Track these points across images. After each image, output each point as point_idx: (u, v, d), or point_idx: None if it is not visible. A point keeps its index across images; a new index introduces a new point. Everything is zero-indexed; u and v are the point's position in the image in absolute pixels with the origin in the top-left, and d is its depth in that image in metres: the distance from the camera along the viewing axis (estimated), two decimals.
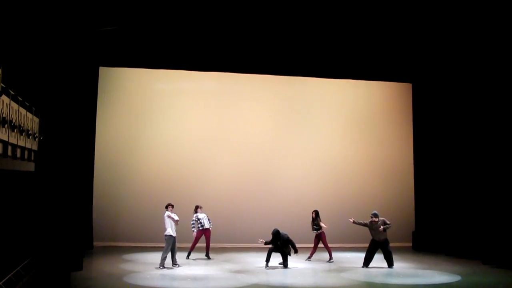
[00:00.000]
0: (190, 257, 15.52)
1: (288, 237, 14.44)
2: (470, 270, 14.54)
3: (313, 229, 15.75)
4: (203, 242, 15.71)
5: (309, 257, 15.78)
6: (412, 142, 20.29)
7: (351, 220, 15.14)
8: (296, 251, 14.49)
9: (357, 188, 19.64)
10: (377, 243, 14.62)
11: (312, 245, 15.90)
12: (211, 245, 15.90)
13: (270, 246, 14.43)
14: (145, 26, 16.46)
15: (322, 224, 15.66)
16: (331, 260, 15.56)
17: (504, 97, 16.15)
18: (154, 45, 17.61)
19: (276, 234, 14.35)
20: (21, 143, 9.49)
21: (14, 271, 9.85)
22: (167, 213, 13.99)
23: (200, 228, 15.54)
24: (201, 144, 18.91)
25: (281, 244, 14.34)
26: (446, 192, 18.54)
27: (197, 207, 15.74)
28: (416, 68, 19.61)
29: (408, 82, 20.43)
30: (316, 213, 15.79)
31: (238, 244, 18.22)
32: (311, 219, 15.86)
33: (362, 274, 13.81)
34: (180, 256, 14.73)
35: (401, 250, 17.68)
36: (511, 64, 15.85)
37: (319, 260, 15.68)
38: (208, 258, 15.66)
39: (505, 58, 15.98)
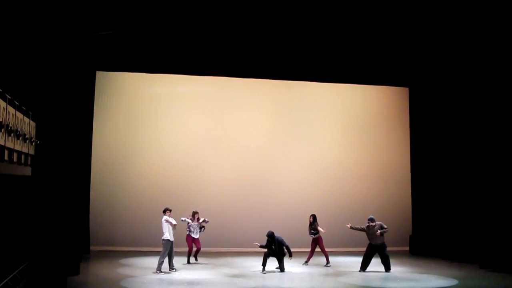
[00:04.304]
0: (184, 261, 15.53)
1: (282, 240, 14.41)
2: (467, 274, 14.55)
3: (311, 233, 15.74)
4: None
5: (306, 262, 15.76)
6: (409, 146, 20.33)
7: (348, 225, 15.16)
8: (290, 255, 14.34)
9: (354, 192, 19.64)
10: (374, 247, 14.62)
11: (309, 249, 15.90)
12: (207, 249, 15.87)
13: (265, 250, 14.40)
14: (142, 31, 16.47)
15: (319, 229, 15.65)
16: (328, 265, 15.55)
17: (501, 101, 16.21)
18: (151, 49, 17.63)
19: (271, 236, 14.32)
20: (17, 147, 9.46)
21: (11, 275, 9.82)
22: (165, 217, 13.97)
23: (187, 233, 15.59)
24: (199, 148, 18.90)
25: (276, 247, 14.32)
26: (443, 196, 18.56)
27: (194, 214, 15.77)
28: (413, 72, 19.67)
29: (405, 86, 20.48)
30: (314, 217, 15.78)
31: (235, 249, 18.20)
32: (308, 223, 15.86)
33: (359, 278, 13.80)
34: (177, 261, 14.71)
35: (398, 254, 17.70)
36: (508, 67, 15.91)
37: (316, 264, 15.66)
38: (196, 260, 15.67)
39: (502, 62, 16.04)
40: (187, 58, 18.12)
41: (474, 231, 16.74)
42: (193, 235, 15.64)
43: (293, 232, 16.76)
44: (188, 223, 15.62)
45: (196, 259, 15.78)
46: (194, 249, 15.76)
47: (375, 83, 20.13)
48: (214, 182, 18.83)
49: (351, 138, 20.07)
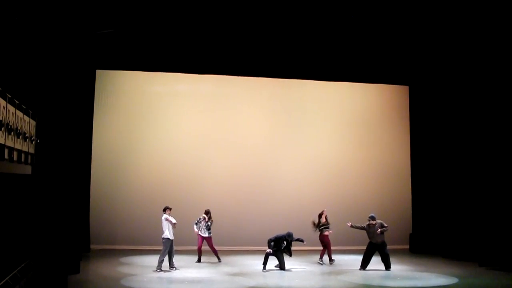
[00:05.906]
0: (186, 260, 15.53)
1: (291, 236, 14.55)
2: (467, 272, 14.56)
3: (326, 229, 15.75)
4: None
5: (330, 259, 15.72)
6: (409, 144, 20.31)
7: (348, 224, 15.16)
8: (290, 255, 14.58)
9: (354, 190, 19.61)
10: (375, 245, 14.63)
11: (310, 248, 15.92)
12: (207, 248, 15.83)
13: (269, 250, 14.38)
14: (142, 29, 16.46)
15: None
16: (320, 262, 15.60)
17: (501, 99, 16.20)
18: (151, 48, 17.61)
19: (291, 236, 14.44)
20: (18, 146, 9.48)
21: (11, 274, 9.83)
22: (165, 216, 13.97)
23: (198, 232, 15.59)
24: (198, 147, 18.89)
25: (286, 246, 14.37)
26: (443, 195, 18.56)
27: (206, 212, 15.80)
28: (413, 71, 19.64)
29: (405, 85, 20.45)
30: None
31: (236, 247, 18.17)
32: (323, 220, 15.81)
33: (360, 277, 13.81)
34: (178, 259, 14.72)
35: (399, 253, 17.69)
36: (508, 65, 15.91)
37: (316, 263, 15.67)
38: (219, 261, 15.63)
39: (502, 59, 16.03)
40: (187, 57, 18.09)
41: (474, 230, 16.74)
42: (201, 234, 15.60)
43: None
44: (200, 222, 15.60)
45: (219, 260, 15.67)
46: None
47: (375, 81, 20.09)
48: (214, 181, 18.82)
49: (351, 137, 20.05)
